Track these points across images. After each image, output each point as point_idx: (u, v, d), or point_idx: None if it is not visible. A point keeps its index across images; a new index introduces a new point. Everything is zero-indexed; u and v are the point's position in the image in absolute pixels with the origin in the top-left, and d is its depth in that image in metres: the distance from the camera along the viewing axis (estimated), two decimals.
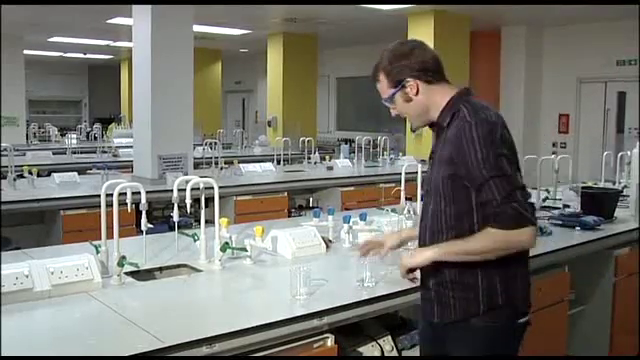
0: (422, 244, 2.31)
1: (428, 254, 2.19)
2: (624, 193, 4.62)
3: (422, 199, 2.63)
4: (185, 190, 2.83)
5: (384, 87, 2.29)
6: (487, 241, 2.08)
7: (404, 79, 2.23)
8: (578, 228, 3.83)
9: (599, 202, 4.15)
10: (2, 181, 5.36)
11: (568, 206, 4.25)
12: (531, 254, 3.21)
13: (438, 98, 2.24)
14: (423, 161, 4.97)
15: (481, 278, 2.14)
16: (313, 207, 6.27)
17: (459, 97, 2.22)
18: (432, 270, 2.22)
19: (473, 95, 2.25)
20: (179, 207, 2.91)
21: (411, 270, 2.33)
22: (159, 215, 5.63)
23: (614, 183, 5.37)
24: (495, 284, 2.14)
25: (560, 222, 3.93)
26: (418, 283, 2.37)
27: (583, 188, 4.41)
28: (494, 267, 2.12)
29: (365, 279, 2.58)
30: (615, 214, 4.17)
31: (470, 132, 2.07)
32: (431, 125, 2.32)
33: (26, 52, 12.06)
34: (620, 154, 5.47)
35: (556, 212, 4.18)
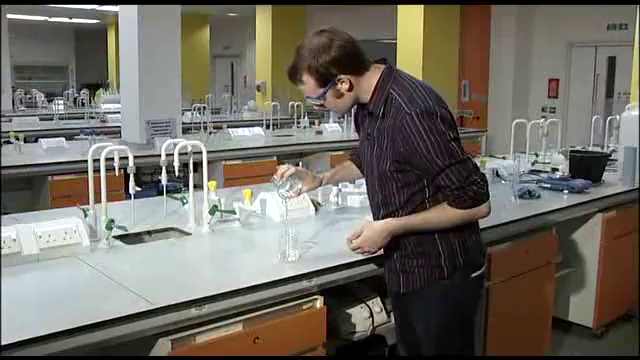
0: (376, 219, 2.30)
1: (385, 234, 2.19)
2: (612, 157, 4.64)
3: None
4: (173, 154, 2.81)
5: (311, 87, 2.14)
6: (448, 219, 2.13)
7: (335, 76, 2.10)
8: (566, 191, 3.86)
9: (587, 166, 4.16)
10: None
11: (557, 170, 4.26)
12: (519, 217, 3.29)
13: (366, 84, 2.15)
14: None
15: (441, 245, 2.18)
16: None
17: (386, 79, 2.13)
18: (393, 242, 2.23)
19: (395, 70, 2.18)
20: (167, 171, 2.90)
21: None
22: (148, 180, 5.60)
23: (602, 147, 5.40)
24: (455, 247, 2.19)
25: (548, 185, 3.96)
26: (369, 256, 2.33)
27: (572, 152, 4.42)
28: (451, 232, 2.17)
29: None
30: (603, 178, 4.21)
31: (414, 124, 2.02)
32: (359, 105, 2.25)
33: (9, 16, 11.82)
34: (609, 118, 5.49)
35: (545, 176, 4.21)
